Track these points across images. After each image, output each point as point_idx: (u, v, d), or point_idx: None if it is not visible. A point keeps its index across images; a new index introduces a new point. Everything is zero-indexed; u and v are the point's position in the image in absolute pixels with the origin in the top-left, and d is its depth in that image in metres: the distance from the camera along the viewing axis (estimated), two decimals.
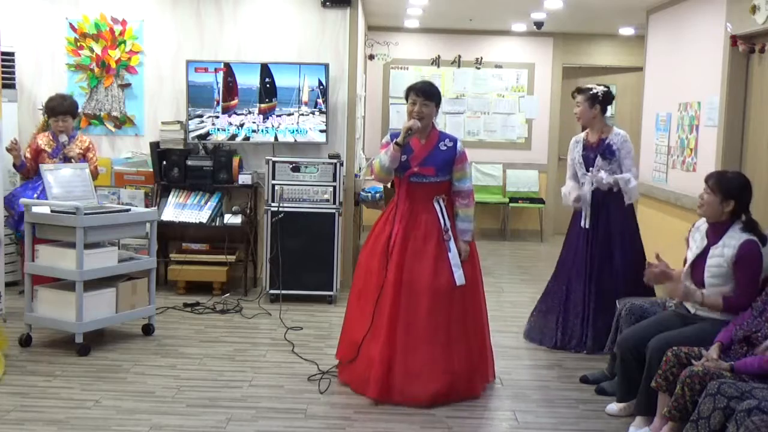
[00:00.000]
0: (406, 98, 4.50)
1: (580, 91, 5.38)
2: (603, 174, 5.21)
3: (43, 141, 5.90)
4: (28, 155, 5.90)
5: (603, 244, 5.27)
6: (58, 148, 5.85)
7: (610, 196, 5.29)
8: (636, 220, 5.45)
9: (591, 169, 5.28)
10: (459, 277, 4.31)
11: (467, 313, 4.38)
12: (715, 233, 3.96)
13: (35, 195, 5.66)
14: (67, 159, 5.81)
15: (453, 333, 4.30)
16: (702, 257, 3.98)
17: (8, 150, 5.79)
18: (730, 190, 3.89)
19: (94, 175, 5.92)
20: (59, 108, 5.88)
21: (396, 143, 4.31)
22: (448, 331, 4.29)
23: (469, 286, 4.39)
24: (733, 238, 3.87)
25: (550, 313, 5.44)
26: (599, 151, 5.28)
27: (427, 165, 4.36)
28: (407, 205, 4.41)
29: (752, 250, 3.82)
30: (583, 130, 5.52)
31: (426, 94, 4.38)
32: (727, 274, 3.86)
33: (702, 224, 4.09)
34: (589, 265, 5.29)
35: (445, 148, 4.40)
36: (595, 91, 5.31)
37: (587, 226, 5.31)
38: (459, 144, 4.44)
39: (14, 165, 5.94)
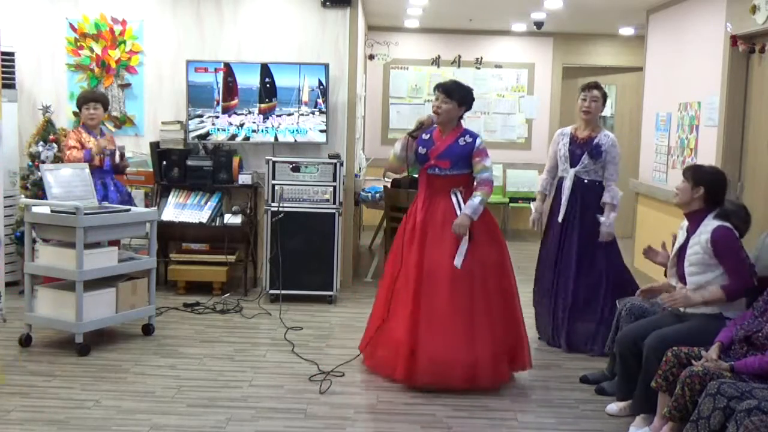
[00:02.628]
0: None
1: (598, 86, 5.36)
2: (606, 222, 5.19)
3: (83, 137, 5.76)
4: (77, 145, 5.69)
5: (581, 240, 5.25)
6: (88, 152, 5.68)
7: (588, 194, 5.26)
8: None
9: (576, 165, 5.27)
10: (458, 261, 4.45)
11: (491, 298, 4.52)
12: (693, 225, 4.05)
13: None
14: (111, 155, 5.77)
15: (476, 318, 4.44)
16: (683, 249, 4.06)
17: (95, 152, 5.69)
18: (700, 177, 4.02)
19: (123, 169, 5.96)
20: (89, 95, 5.92)
21: (408, 133, 4.65)
22: (471, 316, 4.43)
23: (495, 271, 4.58)
24: (708, 226, 3.96)
25: (541, 311, 5.51)
26: (587, 149, 5.25)
27: (444, 158, 4.60)
28: (427, 195, 4.66)
29: (725, 234, 3.90)
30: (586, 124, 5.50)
31: (446, 91, 4.61)
32: (704, 261, 3.92)
33: (686, 222, 4.17)
34: (565, 262, 5.28)
35: (463, 143, 4.61)
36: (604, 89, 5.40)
37: (560, 220, 5.30)
38: (478, 140, 4.64)
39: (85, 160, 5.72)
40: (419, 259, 4.52)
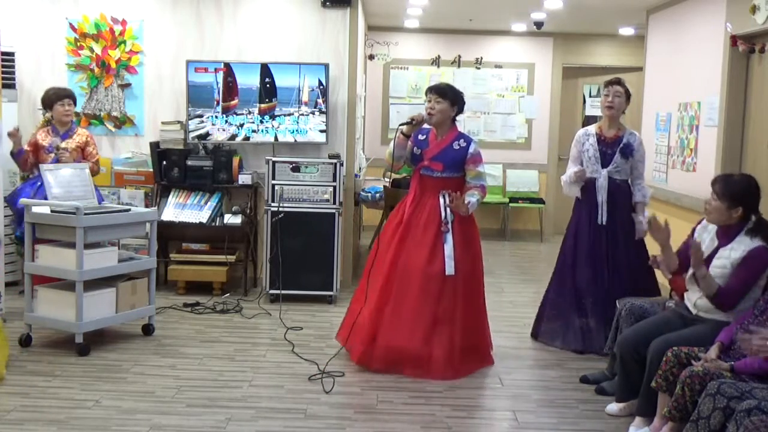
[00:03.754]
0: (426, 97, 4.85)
1: (620, 82, 5.28)
2: (643, 221, 5.10)
3: (41, 136, 5.84)
4: (28, 147, 5.81)
5: (615, 242, 5.22)
6: (51, 146, 5.76)
7: (619, 194, 5.23)
8: None
9: (607, 166, 5.20)
10: (449, 266, 4.61)
11: (456, 305, 4.65)
12: (725, 235, 3.92)
13: (32, 193, 5.62)
14: (57, 160, 5.72)
15: (438, 320, 4.61)
16: (709, 257, 3.94)
17: (9, 135, 5.72)
18: (736, 195, 3.84)
19: (94, 171, 5.85)
20: (62, 91, 5.89)
21: (401, 131, 4.72)
22: (434, 317, 4.61)
23: (465, 280, 4.70)
24: (743, 243, 3.83)
25: (559, 312, 5.36)
26: (618, 148, 5.21)
27: (437, 161, 4.70)
28: (417, 194, 4.78)
29: (760, 256, 3.79)
30: (586, 124, 5.45)
31: (438, 91, 4.70)
32: (727, 275, 3.84)
33: (712, 226, 4.05)
34: (606, 262, 5.21)
35: (458, 147, 4.70)
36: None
37: (604, 222, 5.21)
38: (473, 146, 4.73)
39: (11, 152, 5.82)
40: (395, 255, 4.68)
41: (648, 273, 5.20)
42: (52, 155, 5.75)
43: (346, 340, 4.88)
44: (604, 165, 5.24)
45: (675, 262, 4.16)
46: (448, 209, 4.68)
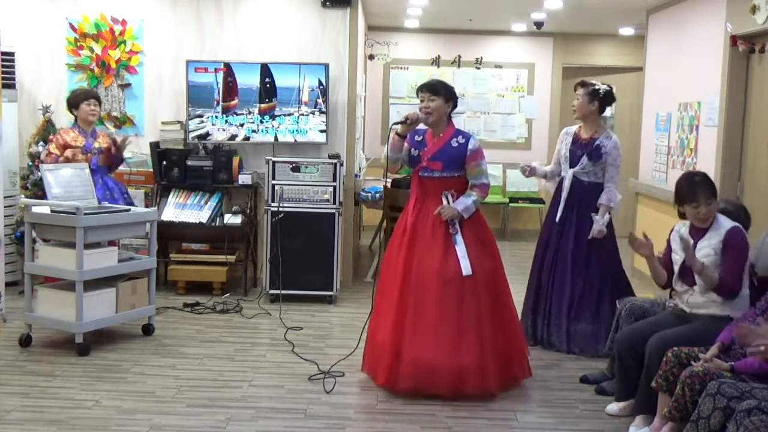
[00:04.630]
0: (418, 97, 4.58)
1: (582, 84, 5.33)
2: (600, 221, 5.16)
3: (71, 137, 5.76)
4: (56, 152, 5.69)
5: (578, 242, 5.22)
6: (89, 144, 5.76)
7: (588, 196, 5.23)
8: (612, 224, 5.30)
9: (575, 166, 5.24)
10: (465, 267, 4.32)
11: (480, 306, 4.34)
12: (698, 229, 4.01)
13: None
14: (96, 160, 5.75)
15: (464, 326, 4.29)
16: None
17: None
18: (714, 190, 3.99)
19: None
20: (90, 92, 5.94)
21: (396, 132, 4.47)
22: (459, 323, 4.29)
23: (486, 279, 4.40)
24: (720, 228, 3.94)
25: (532, 312, 5.45)
26: (587, 151, 5.23)
27: (436, 160, 4.45)
28: (419, 197, 4.52)
29: (736, 236, 3.90)
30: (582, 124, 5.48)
31: (431, 89, 4.46)
32: (715, 262, 3.90)
33: (681, 227, 4.12)
34: (561, 263, 5.26)
35: (456, 144, 4.46)
36: (597, 87, 5.27)
37: (557, 220, 5.27)
38: (472, 141, 4.47)
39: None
40: (407, 262, 4.38)
41: (618, 271, 5.30)
42: (90, 156, 5.72)
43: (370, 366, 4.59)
44: (571, 165, 5.28)
45: (663, 275, 4.19)
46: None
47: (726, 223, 3.96)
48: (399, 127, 4.48)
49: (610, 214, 5.21)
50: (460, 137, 4.48)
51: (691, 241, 3.96)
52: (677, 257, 4.08)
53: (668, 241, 4.24)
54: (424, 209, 4.47)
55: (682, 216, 4.13)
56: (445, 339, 4.26)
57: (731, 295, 3.86)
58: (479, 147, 4.49)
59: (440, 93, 4.44)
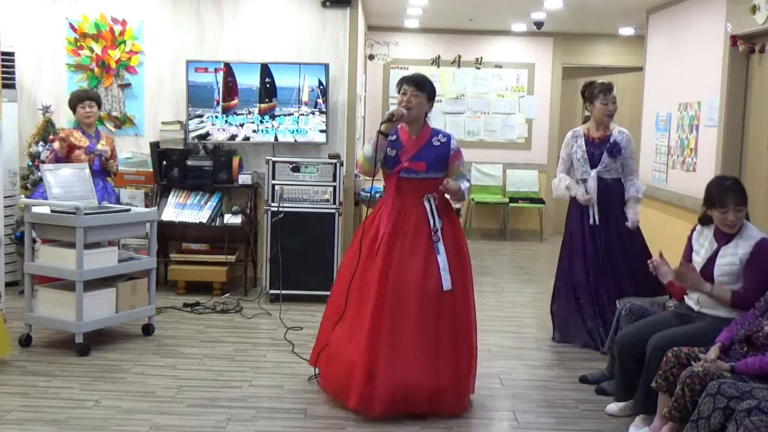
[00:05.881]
0: (399, 90, 4.24)
1: (614, 87, 5.33)
2: (632, 214, 5.21)
3: (76, 137, 5.78)
4: (61, 152, 5.65)
5: (609, 241, 5.24)
6: (93, 144, 5.78)
7: (610, 193, 5.27)
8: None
9: (596, 166, 5.24)
10: (446, 281, 4.06)
11: (456, 323, 4.11)
12: (724, 234, 3.91)
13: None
14: (99, 161, 5.77)
15: (441, 345, 4.05)
16: (711, 260, 3.93)
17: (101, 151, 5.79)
18: (745, 197, 3.87)
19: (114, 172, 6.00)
20: (84, 93, 5.93)
21: (378, 131, 4.11)
22: (437, 342, 4.04)
23: (459, 293, 4.14)
24: (750, 237, 3.83)
25: (568, 314, 5.39)
26: (606, 148, 5.24)
27: (419, 160, 4.16)
28: (396, 202, 4.19)
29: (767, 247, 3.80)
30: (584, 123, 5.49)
31: (417, 84, 4.15)
32: (738, 272, 3.83)
33: (705, 228, 4.04)
34: (600, 262, 5.24)
35: (438, 143, 4.21)
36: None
37: (597, 223, 5.26)
38: (453, 141, 4.25)
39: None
40: (383, 273, 4.04)
41: (650, 272, 5.21)
42: (93, 156, 5.74)
43: (323, 373, 4.35)
44: (592, 166, 5.29)
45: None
46: (436, 215, 4.13)
47: (755, 234, 3.83)
48: (384, 126, 4.11)
49: (639, 204, 5.29)
50: (440, 136, 4.23)
51: (701, 249, 3.93)
52: (698, 259, 4.00)
53: (689, 239, 4.15)
54: (403, 215, 4.15)
55: (704, 218, 4.01)
56: (422, 358, 4.00)
57: (746, 309, 3.77)
58: (459, 146, 4.29)
59: (425, 89, 4.16)
